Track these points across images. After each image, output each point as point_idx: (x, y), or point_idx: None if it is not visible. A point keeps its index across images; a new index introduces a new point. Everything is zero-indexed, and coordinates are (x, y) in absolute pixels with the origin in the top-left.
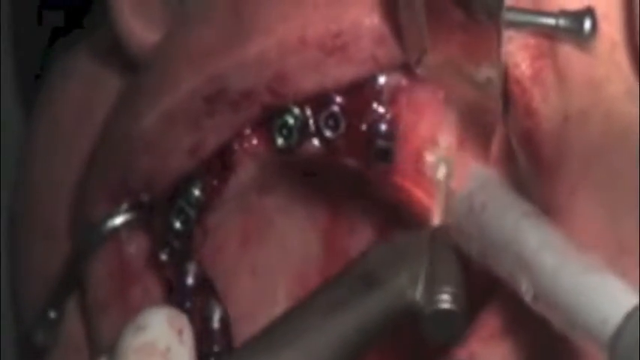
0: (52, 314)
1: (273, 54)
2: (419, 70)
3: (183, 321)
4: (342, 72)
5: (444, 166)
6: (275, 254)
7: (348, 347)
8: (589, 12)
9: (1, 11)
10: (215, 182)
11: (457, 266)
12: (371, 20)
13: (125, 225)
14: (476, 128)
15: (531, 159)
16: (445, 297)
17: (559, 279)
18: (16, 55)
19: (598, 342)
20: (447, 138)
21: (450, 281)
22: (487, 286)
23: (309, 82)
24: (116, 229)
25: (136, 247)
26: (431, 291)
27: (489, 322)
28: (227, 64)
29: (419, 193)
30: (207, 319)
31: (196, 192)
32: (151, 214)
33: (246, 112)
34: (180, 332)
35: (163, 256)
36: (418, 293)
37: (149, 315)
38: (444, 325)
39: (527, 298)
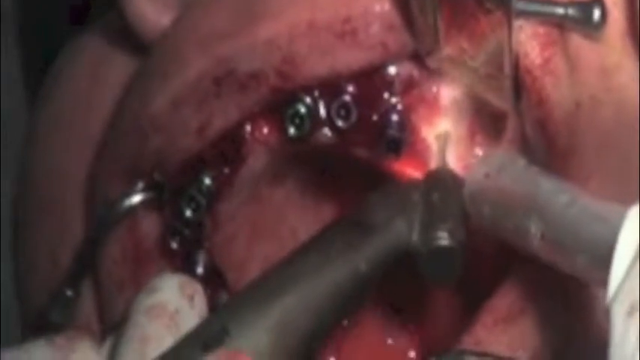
0: (69, 292)
1: (282, 37)
2: (430, 61)
3: (195, 287)
4: (352, 57)
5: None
6: (285, 246)
7: (346, 292)
8: (598, 2)
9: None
10: (226, 170)
11: (454, 205)
12: (381, 7)
13: (141, 205)
14: (487, 118)
15: (545, 146)
16: (441, 234)
17: (568, 212)
18: (21, 43)
19: (599, 266)
20: (457, 129)
21: (446, 219)
22: (493, 275)
23: (318, 66)
24: (133, 208)
25: (151, 228)
26: (427, 230)
27: (495, 309)
28: (236, 47)
29: None
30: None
31: (207, 180)
32: (163, 197)
33: (253, 93)
34: (191, 297)
35: (174, 244)
36: (415, 234)
37: (161, 279)
38: (443, 263)
39: (535, 242)
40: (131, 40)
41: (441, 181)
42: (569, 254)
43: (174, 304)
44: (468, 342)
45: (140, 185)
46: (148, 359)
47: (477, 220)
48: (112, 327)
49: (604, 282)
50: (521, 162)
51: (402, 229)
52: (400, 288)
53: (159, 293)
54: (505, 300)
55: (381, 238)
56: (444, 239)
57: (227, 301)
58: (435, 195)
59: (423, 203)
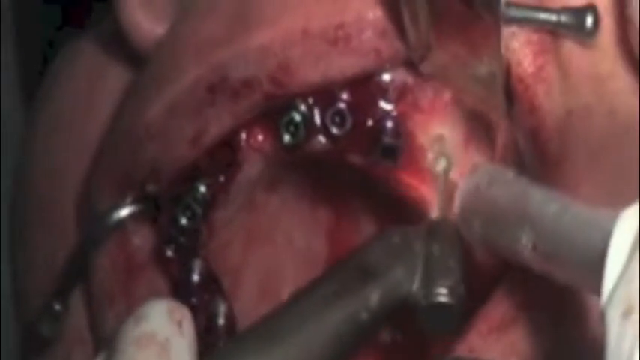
0: (57, 306)
1: (276, 44)
2: (423, 68)
3: (183, 312)
4: (345, 64)
5: (447, 162)
6: (280, 252)
7: (344, 340)
8: (591, 8)
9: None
10: (222, 178)
11: (455, 260)
12: (374, 13)
13: (131, 217)
14: (481, 125)
15: (537, 155)
16: (442, 290)
17: (560, 220)
18: (18, 44)
19: (594, 273)
20: (452, 135)
21: (447, 274)
22: (488, 282)
23: (311, 73)
24: (122, 222)
25: (142, 240)
26: (428, 284)
27: (489, 316)
28: (230, 54)
29: (425, 191)
30: (212, 316)
31: (202, 188)
32: (156, 207)
33: (247, 101)
34: (179, 324)
35: (169, 252)
36: (415, 286)
37: (149, 306)
38: (441, 318)
39: (526, 252)
40: (128, 48)
41: (443, 232)
42: (562, 263)
43: (163, 333)
44: (461, 349)
45: (129, 199)
46: None
47: (468, 236)
48: (102, 344)
49: (599, 289)
50: (510, 174)
51: (402, 279)
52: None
53: (147, 321)
54: (499, 308)
55: (381, 286)
56: (443, 296)
57: (228, 345)
58: (436, 247)
59: (425, 255)
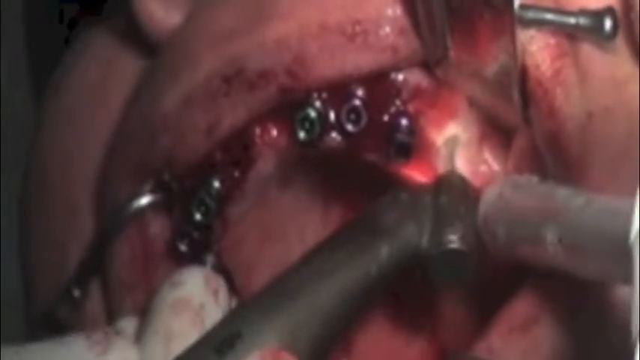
0: (76, 292)
1: (293, 38)
2: (439, 72)
3: (219, 282)
4: (362, 59)
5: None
6: (293, 249)
7: (355, 295)
8: (609, 11)
9: None
10: (236, 174)
11: (465, 207)
12: (393, 10)
13: (150, 206)
14: (497, 123)
15: (558, 159)
16: (452, 237)
17: (586, 212)
18: (27, 32)
19: (620, 264)
20: (467, 135)
21: (457, 221)
22: (508, 277)
23: (327, 67)
24: (141, 210)
25: (159, 230)
26: (438, 233)
27: (511, 317)
28: (247, 45)
29: None
30: None
31: (216, 184)
32: (172, 198)
33: (262, 93)
34: (215, 293)
35: (182, 247)
36: (425, 238)
37: (186, 272)
38: (453, 266)
39: (551, 248)
40: (141, 38)
41: (451, 185)
42: (587, 254)
43: (199, 299)
44: (481, 348)
45: (148, 186)
46: (172, 354)
47: (491, 243)
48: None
49: (625, 277)
50: (535, 179)
51: (412, 233)
52: (413, 289)
53: (183, 287)
54: (521, 308)
55: (391, 241)
56: (453, 242)
57: (239, 305)
58: (445, 199)
59: (433, 207)
